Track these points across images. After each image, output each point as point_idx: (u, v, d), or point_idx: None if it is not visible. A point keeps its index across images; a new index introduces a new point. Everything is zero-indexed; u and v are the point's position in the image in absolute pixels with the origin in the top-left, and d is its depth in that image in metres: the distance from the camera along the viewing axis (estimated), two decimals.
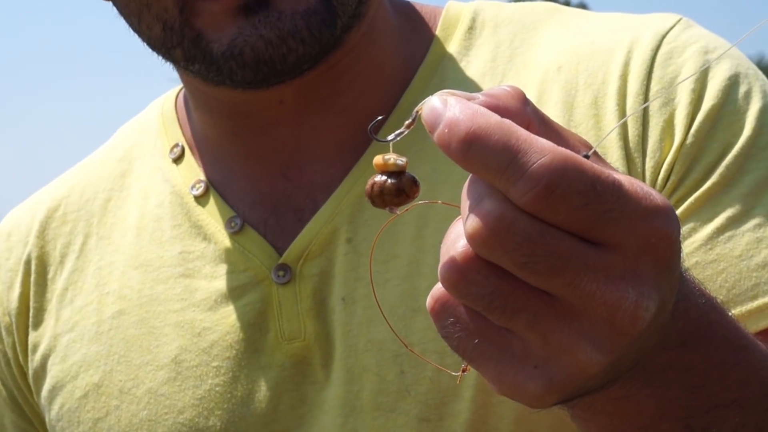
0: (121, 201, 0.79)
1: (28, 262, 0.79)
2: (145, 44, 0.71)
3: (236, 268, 0.72)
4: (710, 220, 0.64)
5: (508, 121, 0.35)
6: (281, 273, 0.70)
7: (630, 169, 0.66)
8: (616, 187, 0.35)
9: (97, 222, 0.79)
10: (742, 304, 0.62)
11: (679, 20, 0.70)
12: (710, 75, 0.66)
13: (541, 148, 0.34)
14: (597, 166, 0.35)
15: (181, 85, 0.82)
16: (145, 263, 0.75)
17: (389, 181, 0.41)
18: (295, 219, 0.72)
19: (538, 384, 0.36)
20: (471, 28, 0.75)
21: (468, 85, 0.72)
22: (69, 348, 0.75)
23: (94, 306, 0.75)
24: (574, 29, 0.74)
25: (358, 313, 0.68)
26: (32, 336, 0.78)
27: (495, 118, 0.35)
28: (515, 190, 0.34)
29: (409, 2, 0.78)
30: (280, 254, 0.70)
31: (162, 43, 0.68)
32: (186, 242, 0.75)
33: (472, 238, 0.35)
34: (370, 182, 0.41)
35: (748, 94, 0.66)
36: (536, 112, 0.39)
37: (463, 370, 0.41)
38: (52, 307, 0.77)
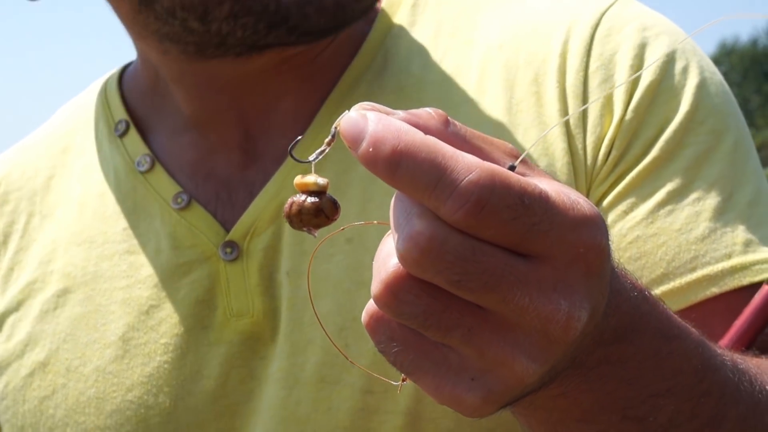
0: (64, 177, 0.79)
1: None
2: (172, 3, 0.68)
3: (182, 245, 0.72)
4: (651, 194, 0.65)
5: (433, 138, 0.35)
6: (228, 250, 0.70)
7: (571, 145, 0.67)
8: (543, 199, 0.35)
9: (39, 200, 0.79)
10: (681, 277, 0.63)
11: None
12: (648, 52, 0.67)
13: (467, 165, 0.34)
14: (523, 179, 0.35)
15: (123, 65, 0.82)
16: (88, 240, 0.75)
17: (308, 200, 0.40)
18: (246, 193, 0.72)
19: (476, 396, 0.37)
20: (415, 5, 0.76)
21: (412, 59, 0.73)
22: (14, 327, 0.76)
23: (39, 284, 0.76)
24: (515, 8, 0.74)
25: (304, 287, 0.69)
26: None
27: (420, 135, 0.35)
28: (445, 208, 0.34)
29: None
30: (228, 230, 0.71)
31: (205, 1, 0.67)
32: (131, 218, 0.74)
33: (403, 259, 0.35)
34: (289, 202, 0.40)
35: (685, 70, 0.67)
36: (458, 132, 0.38)
37: (403, 380, 0.41)
38: None
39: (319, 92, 0.74)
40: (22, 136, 0.91)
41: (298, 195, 0.40)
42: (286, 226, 0.68)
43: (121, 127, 0.77)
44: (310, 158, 0.41)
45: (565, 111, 0.68)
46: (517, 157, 0.39)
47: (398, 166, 0.35)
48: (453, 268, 0.35)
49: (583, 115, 0.68)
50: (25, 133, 0.91)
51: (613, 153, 0.67)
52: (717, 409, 0.52)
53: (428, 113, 0.38)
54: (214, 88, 0.74)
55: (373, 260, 0.63)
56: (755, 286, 0.62)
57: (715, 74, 0.71)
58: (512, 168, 0.38)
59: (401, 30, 0.76)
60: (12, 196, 0.81)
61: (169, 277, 0.72)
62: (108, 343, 0.72)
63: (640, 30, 0.69)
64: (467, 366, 0.37)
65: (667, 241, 0.65)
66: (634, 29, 0.69)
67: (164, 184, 0.74)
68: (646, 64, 0.68)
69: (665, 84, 0.67)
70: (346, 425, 0.67)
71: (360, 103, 0.37)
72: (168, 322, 0.71)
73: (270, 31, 0.67)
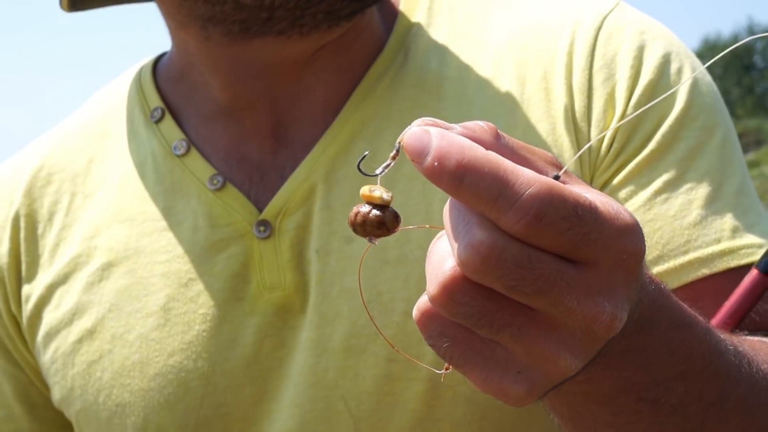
0: (103, 161, 0.82)
1: (16, 219, 0.81)
2: None
3: (218, 223, 0.75)
4: (648, 183, 0.69)
5: (494, 153, 0.37)
6: (262, 228, 0.73)
7: (578, 137, 0.71)
8: (593, 210, 0.37)
9: (81, 182, 0.81)
10: (675, 259, 0.68)
11: (617, 3, 0.75)
12: (646, 53, 0.72)
13: (527, 179, 0.36)
14: (575, 192, 0.38)
15: (156, 55, 0.85)
16: (129, 218, 0.78)
17: (373, 212, 0.42)
18: (277, 176, 0.75)
19: (521, 388, 0.39)
20: (430, 8, 0.79)
21: (430, 57, 0.77)
22: (62, 297, 0.78)
23: (84, 258, 0.78)
24: (522, 10, 0.78)
25: (332, 264, 0.72)
26: (25, 288, 0.80)
27: (482, 150, 0.37)
28: (506, 219, 0.36)
29: None
30: (261, 210, 0.73)
31: None
32: (168, 198, 0.77)
33: (464, 265, 0.37)
34: (354, 210, 0.42)
35: (679, 71, 0.72)
36: (507, 144, 0.41)
37: (447, 368, 0.43)
38: (44, 261, 0.80)
39: (347, 85, 0.76)
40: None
41: (363, 205, 0.42)
42: (316, 207, 0.72)
43: (157, 114, 0.80)
44: (377, 171, 0.43)
45: (571, 106, 0.72)
46: (558, 166, 0.41)
47: (462, 180, 0.37)
48: (510, 274, 0.37)
49: (588, 110, 0.72)
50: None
51: (615, 145, 0.71)
52: (721, 390, 0.55)
53: (481, 127, 0.41)
54: (251, 74, 0.76)
55: (395, 242, 0.68)
56: (742, 269, 0.66)
57: (706, 75, 0.75)
58: (557, 177, 0.40)
59: (419, 29, 0.79)
60: (55, 177, 0.82)
61: (206, 253, 0.75)
62: (150, 312, 0.75)
63: (639, 33, 0.73)
64: (514, 360, 0.40)
65: (663, 226, 0.69)
66: (633, 32, 0.73)
67: (200, 167, 0.76)
68: (644, 64, 0.72)
69: (662, 83, 0.71)
70: (371, 391, 0.71)
71: (422, 118, 0.40)
72: (205, 293, 0.74)
73: (307, 7, 0.69)
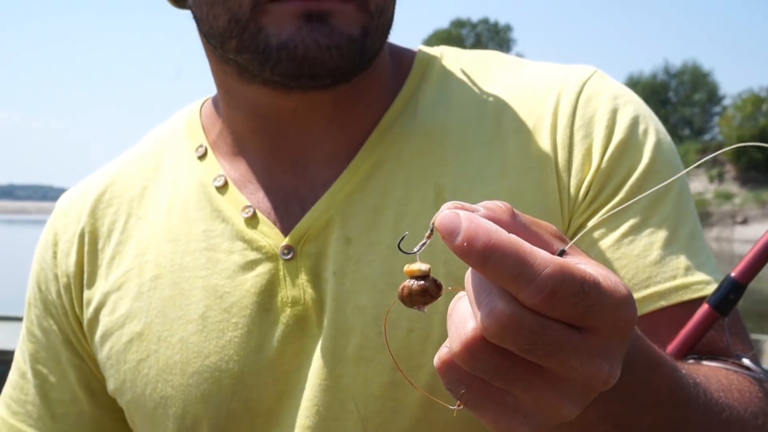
0: (155, 189, 0.88)
1: (81, 236, 0.87)
2: (200, 31, 0.79)
3: (250, 246, 0.80)
4: (617, 227, 0.76)
5: (515, 237, 0.42)
6: (286, 251, 0.79)
7: (559, 185, 0.78)
8: (596, 285, 0.41)
9: (136, 205, 0.88)
10: (637, 292, 0.73)
11: (595, 71, 0.83)
12: (618, 115, 0.79)
13: (544, 260, 0.41)
14: (581, 269, 0.42)
15: (203, 99, 0.92)
16: (175, 238, 0.84)
17: (416, 284, 0.46)
18: (299, 208, 0.81)
19: (527, 429, 0.44)
20: (442, 66, 0.86)
21: (437, 110, 0.83)
22: (116, 304, 0.84)
23: (136, 271, 0.84)
24: (516, 74, 0.85)
25: (347, 284, 0.77)
26: (86, 293, 0.86)
27: (505, 234, 0.41)
28: (524, 294, 0.40)
29: (394, 45, 0.87)
30: (285, 236, 0.79)
31: (221, 32, 0.75)
32: (208, 223, 0.83)
33: (485, 330, 0.41)
34: (401, 287, 0.46)
35: (646, 132, 0.79)
36: (521, 222, 0.45)
37: (459, 405, 0.46)
38: (102, 271, 0.86)
39: (356, 135, 0.82)
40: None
41: (408, 280, 0.46)
42: (333, 236, 0.78)
43: (201, 150, 0.87)
44: (415, 249, 0.47)
45: (555, 158, 0.78)
46: (561, 239, 0.46)
47: (488, 259, 0.41)
48: (525, 340, 0.41)
49: (569, 162, 0.78)
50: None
51: (591, 193, 0.77)
52: (683, 418, 0.61)
53: (500, 207, 0.45)
54: (263, 115, 0.82)
55: (400, 270, 0.74)
56: (694, 301, 0.73)
57: (666, 135, 0.82)
58: (562, 252, 0.44)
59: (429, 84, 0.85)
60: (114, 201, 0.89)
61: (239, 271, 0.80)
62: (190, 319, 0.80)
63: (613, 98, 0.80)
64: (521, 407, 0.44)
65: (628, 263, 0.75)
66: (608, 98, 0.80)
67: (235, 198, 0.83)
68: (617, 124, 0.78)
69: (631, 142, 0.78)
70: (378, 395, 0.76)
71: (452, 202, 0.44)
72: (237, 305, 0.79)
73: (262, 69, 0.75)
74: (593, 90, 0.80)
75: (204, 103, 0.91)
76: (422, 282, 0.45)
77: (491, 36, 74.99)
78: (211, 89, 0.87)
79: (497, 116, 0.81)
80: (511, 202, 0.71)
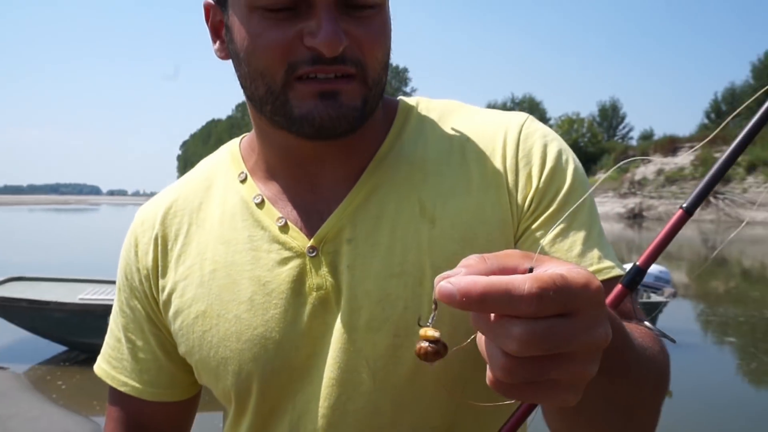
0: (209, 204, 1.01)
1: (156, 239, 1.01)
2: (246, 95, 0.89)
3: (284, 247, 0.92)
4: (552, 229, 0.88)
5: (493, 277, 0.48)
6: (311, 250, 0.91)
7: (510, 200, 0.90)
8: (564, 279, 0.48)
9: (195, 216, 1.00)
10: None
11: (528, 117, 0.96)
12: (548, 149, 0.92)
13: (521, 281, 0.47)
14: (550, 272, 0.48)
15: (240, 137, 1.06)
16: (226, 241, 0.95)
17: (431, 346, 0.52)
18: (317, 218, 0.93)
19: (574, 396, 0.52)
20: (418, 112, 0.99)
21: (417, 145, 0.95)
22: (184, 289, 0.96)
23: (198, 266, 0.96)
24: (472, 118, 0.98)
25: (357, 275, 0.89)
26: (161, 282, 0.99)
27: (485, 278, 0.48)
28: (521, 310, 0.47)
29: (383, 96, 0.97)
30: (310, 239, 0.91)
31: (260, 98, 0.86)
32: (251, 230, 0.95)
33: (516, 351, 0.48)
34: (419, 347, 0.53)
35: (567, 161, 0.92)
36: (492, 262, 0.52)
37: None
38: (171, 265, 0.99)
39: (358, 164, 0.94)
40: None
41: (422, 341, 0.53)
42: (345, 238, 0.90)
43: (242, 176, 0.99)
44: (428, 323, 0.54)
45: (506, 179, 0.91)
46: (528, 256, 0.53)
47: (484, 300, 0.47)
48: (545, 343, 0.47)
49: (516, 183, 0.90)
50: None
51: (533, 205, 0.90)
52: (632, 355, 0.71)
53: (473, 260, 0.52)
54: (289, 152, 0.94)
55: (397, 263, 0.88)
56: (606, 282, 0.84)
57: (578, 161, 0.94)
58: (531, 270, 0.51)
59: (409, 125, 0.98)
60: (179, 213, 1.02)
61: (276, 265, 0.92)
62: (241, 301, 0.92)
63: (543, 137, 0.94)
64: (562, 384, 0.51)
65: (560, 257, 0.86)
66: (540, 136, 0.94)
67: (270, 212, 0.95)
68: (548, 156, 0.91)
69: (558, 168, 0.91)
70: (383, 354, 0.88)
71: (440, 276, 0.51)
72: (276, 291, 0.91)
73: (290, 128, 0.86)
74: (529, 130, 0.94)
75: (242, 140, 1.05)
76: (434, 345, 0.53)
77: (393, 76, 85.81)
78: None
79: (461, 149, 0.94)
80: (476, 213, 0.90)
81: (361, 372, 0.89)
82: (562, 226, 0.88)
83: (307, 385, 0.91)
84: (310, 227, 0.93)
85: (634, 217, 44.57)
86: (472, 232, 0.90)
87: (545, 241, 0.88)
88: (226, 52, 0.90)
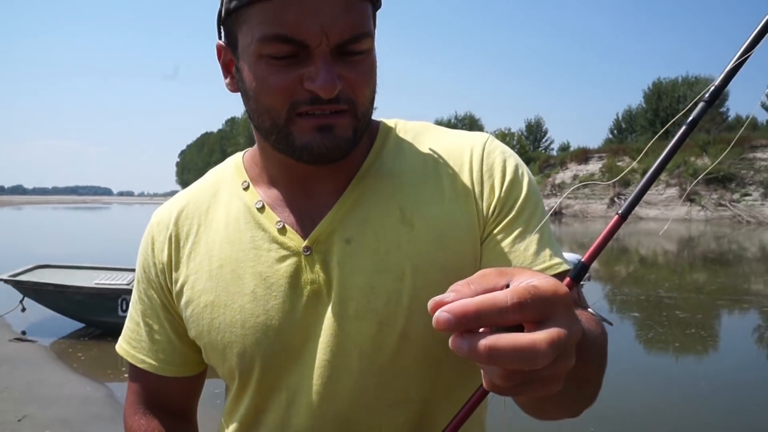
0: (216, 208, 0.98)
1: (170, 238, 0.99)
2: (253, 125, 0.87)
3: (282, 246, 0.90)
4: (511, 233, 0.88)
5: (482, 296, 0.48)
6: (306, 250, 0.89)
7: (477, 208, 0.89)
8: (536, 288, 0.48)
9: (203, 218, 0.98)
10: None
11: (489, 136, 0.95)
12: (507, 164, 0.92)
13: (503, 295, 0.47)
14: (524, 283, 0.49)
15: (243, 151, 1.03)
16: (231, 241, 0.93)
17: None
18: (310, 222, 0.91)
19: (559, 386, 0.52)
20: (395, 132, 0.98)
21: (395, 160, 0.94)
22: (195, 282, 0.94)
23: (206, 262, 0.94)
24: (442, 138, 0.97)
25: (347, 271, 0.87)
26: (174, 275, 0.97)
27: (473, 300, 0.48)
28: (509, 319, 0.47)
29: None
30: (304, 240, 0.89)
31: (266, 129, 0.85)
32: (253, 231, 0.92)
33: (541, 356, 0.46)
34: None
35: (522, 174, 0.92)
36: (474, 282, 0.51)
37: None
38: (183, 261, 0.97)
39: (346, 177, 0.92)
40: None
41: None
42: (336, 239, 0.88)
43: (245, 184, 0.97)
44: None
45: (473, 190, 0.90)
46: (504, 273, 0.52)
47: (478, 318, 0.47)
48: (538, 351, 0.46)
49: (481, 193, 0.90)
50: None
51: (496, 212, 0.89)
52: (584, 338, 0.69)
53: (460, 285, 0.51)
54: (288, 168, 0.92)
55: (380, 261, 0.87)
56: (557, 276, 0.84)
57: (531, 174, 0.93)
58: (508, 285, 0.50)
59: (388, 143, 0.96)
60: (189, 215, 0.99)
61: (276, 262, 0.90)
62: (245, 293, 0.90)
63: (502, 153, 0.93)
64: (551, 378, 0.51)
65: (519, 255, 0.86)
66: (500, 153, 0.93)
67: (270, 216, 0.92)
68: (507, 169, 0.90)
69: (516, 180, 0.90)
70: (368, 339, 0.87)
71: (432, 302, 0.50)
72: (276, 284, 0.89)
73: (290, 155, 0.85)
74: (490, 148, 0.93)
75: (244, 154, 1.03)
76: None
77: None
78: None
79: (434, 164, 0.93)
80: (448, 219, 0.89)
81: (350, 354, 0.87)
82: (519, 229, 0.88)
83: (302, 365, 0.89)
84: (304, 230, 0.91)
85: (555, 215, 45.17)
86: (444, 235, 0.89)
87: (507, 243, 0.88)
88: (235, 87, 0.89)
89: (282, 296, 0.89)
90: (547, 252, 0.88)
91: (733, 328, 8.84)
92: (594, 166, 48.10)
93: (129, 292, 7.58)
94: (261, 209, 0.94)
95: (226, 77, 0.90)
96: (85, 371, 6.37)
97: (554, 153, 61.79)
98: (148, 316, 1.02)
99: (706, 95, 0.71)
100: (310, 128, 0.82)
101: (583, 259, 0.72)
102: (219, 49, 0.90)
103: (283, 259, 0.90)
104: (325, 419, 0.89)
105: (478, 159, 0.92)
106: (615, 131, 63.05)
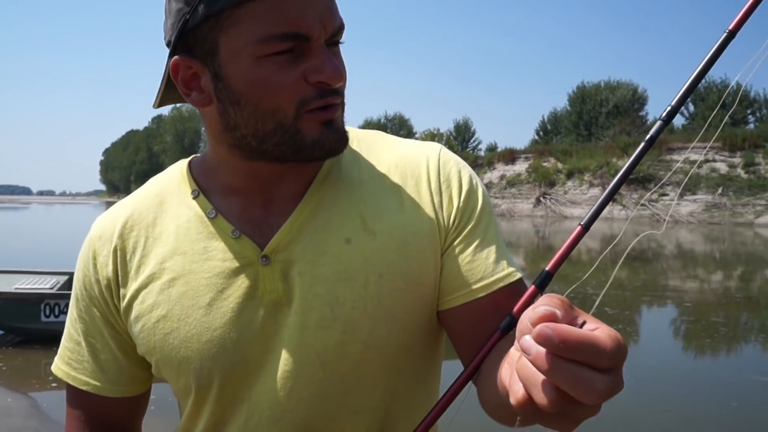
0: (163, 218, 0.95)
1: (115, 252, 0.94)
2: (245, 132, 0.84)
3: (238, 257, 0.88)
4: (473, 242, 0.91)
5: (585, 331, 0.49)
6: (264, 259, 0.87)
7: (437, 217, 0.91)
8: (619, 339, 0.49)
9: (151, 229, 0.94)
10: (487, 279, 0.88)
11: (442, 147, 0.98)
12: (462, 174, 0.94)
13: (604, 338, 0.49)
14: (615, 333, 0.50)
15: (188, 159, 1.00)
16: (183, 252, 0.91)
17: None
18: (268, 230, 0.90)
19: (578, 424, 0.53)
20: (351, 141, 0.94)
21: (352, 167, 0.95)
22: (145, 296, 0.91)
23: (157, 275, 0.91)
24: (395, 147, 0.98)
25: (308, 280, 0.87)
26: (122, 290, 0.93)
27: (578, 331, 0.48)
28: (603, 363, 0.48)
29: None
30: (262, 249, 0.88)
31: (265, 133, 0.82)
32: (206, 242, 0.90)
33: (594, 400, 0.48)
34: None
35: (477, 184, 0.95)
36: (567, 313, 0.52)
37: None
38: (131, 275, 0.93)
39: (304, 183, 0.92)
40: None
41: None
42: (296, 248, 0.88)
43: (195, 193, 0.94)
44: None
45: (432, 200, 0.92)
46: (579, 313, 0.53)
47: (576, 350, 0.48)
48: (612, 393, 0.49)
49: (441, 203, 0.92)
50: None
51: (456, 221, 0.92)
52: None
53: (557, 304, 0.51)
54: (253, 175, 0.91)
55: (344, 270, 0.87)
56: (515, 282, 0.89)
57: (481, 181, 0.96)
58: (584, 323, 0.52)
59: (345, 151, 0.92)
60: (135, 227, 0.95)
61: (232, 273, 0.88)
62: (200, 306, 0.88)
63: (457, 164, 0.95)
64: (578, 417, 0.52)
65: (481, 263, 0.90)
66: (454, 164, 0.95)
67: (224, 225, 0.90)
68: (462, 180, 0.93)
69: (472, 190, 0.93)
70: (332, 348, 0.87)
71: (527, 315, 0.51)
72: (233, 296, 0.87)
73: (293, 155, 0.85)
74: (445, 158, 0.96)
75: (190, 161, 1.00)
76: None
77: None
78: None
79: (391, 173, 0.94)
80: (409, 227, 0.91)
81: (312, 364, 0.87)
82: (480, 239, 0.91)
83: (263, 377, 0.88)
84: (262, 239, 0.89)
85: None
86: (406, 243, 0.90)
87: (468, 251, 0.91)
88: (207, 100, 0.85)
89: (239, 308, 0.88)
90: (505, 262, 0.91)
91: (658, 323, 9.21)
92: (521, 167, 49.33)
93: (53, 296, 7.32)
94: (214, 218, 0.92)
95: (188, 93, 0.86)
96: (5, 382, 6.09)
97: (482, 153, 62.93)
98: (91, 335, 0.98)
99: (663, 115, 0.77)
100: (317, 124, 0.83)
101: (547, 268, 0.77)
102: (176, 65, 0.84)
103: (239, 269, 0.89)
104: (289, 428, 0.89)
105: (435, 169, 0.94)
106: (541, 132, 64.90)
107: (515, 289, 0.90)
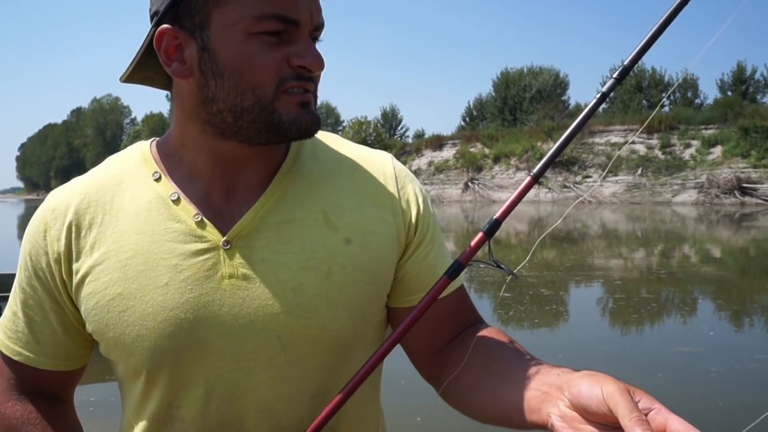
0: (121, 197, 0.95)
1: (69, 226, 0.93)
2: (222, 106, 0.86)
3: (200, 240, 0.90)
4: (431, 251, 1.01)
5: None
6: (226, 244, 0.90)
7: (397, 226, 0.98)
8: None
9: (108, 207, 0.94)
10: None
11: (390, 155, 1.05)
12: (415, 185, 1.03)
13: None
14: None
15: (149, 141, 1.01)
16: (143, 232, 0.91)
17: None
18: (230, 217, 0.92)
19: None
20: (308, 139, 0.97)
21: (312, 164, 0.98)
22: (100, 273, 0.91)
23: (114, 252, 0.91)
24: (351, 148, 1.04)
25: (271, 267, 0.90)
26: (74, 265, 0.92)
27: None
28: None
29: None
30: (224, 234, 0.90)
31: (243, 109, 0.86)
32: (168, 223, 0.91)
33: None
34: None
35: (426, 198, 1.03)
36: (650, 403, 0.67)
37: None
38: (85, 251, 0.92)
39: (267, 171, 0.95)
40: None
41: None
42: (259, 236, 0.90)
43: (156, 175, 0.95)
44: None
45: (392, 204, 0.98)
46: (649, 398, 0.68)
47: None
48: None
49: (403, 215, 0.99)
50: None
51: (411, 231, 0.99)
52: None
53: (649, 403, 0.68)
54: (219, 158, 0.92)
55: (307, 259, 0.92)
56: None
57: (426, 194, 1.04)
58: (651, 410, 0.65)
59: (305, 147, 1.00)
60: (92, 203, 0.95)
61: (192, 255, 0.89)
62: (158, 286, 0.89)
63: (408, 174, 1.04)
64: None
65: (438, 270, 0.98)
66: (407, 173, 1.04)
67: (186, 208, 0.91)
68: (416, 190, 1.01)
69: (425, 199, 1.02)
70: (294, 332, 0.90)
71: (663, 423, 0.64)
72: (192, 277, 0.89)
73: (267, 134, 0.88)
74: (398, 167, 1.03)
75: (152, 143, 1.01)
76: None
77: None
78: None
79: (350, 171, 0.99)
80: (368, 225, 0.97)
81: (274, 347, 0.90)
82: (437, 242, 1.03)
83: (220, 359, 0.89)
84: (224, 224, 0.92)
85: None
86: (366, 240, 0.95)
87: (430, 258, 1.01)
88: (188, 71, 0.88)
89: (198, 289, 0.89)
90: (449, 259, 1.01)
91: (588, 301, 9.53)
92: (448, 153, 50.10)
93: None
94: (176, 201, 0.93)
95: (169, 64, 0.88)
96: None
97: (410, 140, 63.49)
98: (29, 306, 0.98)
99: (616, 74, 0.81)
100: (294, 105, 0.87)
101: (496, 216, 0.84)
102: (161, 34, 0.87)
103: (200, 252, 0.90)
104: (249, 410, 0.91)
105: (392, 176, 1.01)
106: (467, 118, 65.95)
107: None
